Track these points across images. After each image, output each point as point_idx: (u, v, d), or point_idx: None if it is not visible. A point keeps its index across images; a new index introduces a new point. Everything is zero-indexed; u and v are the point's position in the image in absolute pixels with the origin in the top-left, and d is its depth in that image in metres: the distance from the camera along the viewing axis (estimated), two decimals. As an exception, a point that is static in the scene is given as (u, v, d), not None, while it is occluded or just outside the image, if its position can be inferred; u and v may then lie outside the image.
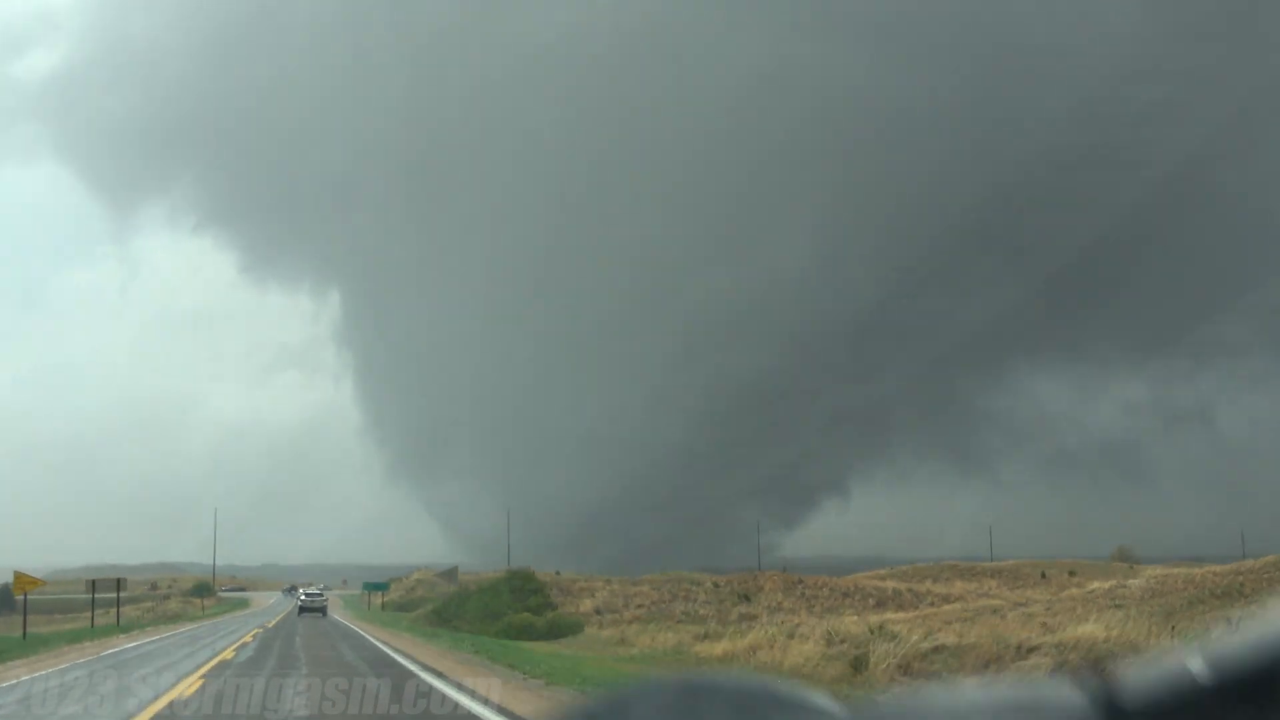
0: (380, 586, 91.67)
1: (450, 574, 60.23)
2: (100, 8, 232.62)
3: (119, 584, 45.46)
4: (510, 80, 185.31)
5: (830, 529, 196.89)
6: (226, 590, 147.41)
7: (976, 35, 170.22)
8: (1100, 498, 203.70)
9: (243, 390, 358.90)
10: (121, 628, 50.47)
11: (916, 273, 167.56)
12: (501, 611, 62.14)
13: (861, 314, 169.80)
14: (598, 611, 64.08)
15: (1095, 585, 56.01)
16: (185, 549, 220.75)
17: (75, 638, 39.31)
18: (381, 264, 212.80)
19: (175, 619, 77.07)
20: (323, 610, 66.82)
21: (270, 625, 47.13)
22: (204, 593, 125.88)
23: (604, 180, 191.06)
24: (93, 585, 45.56)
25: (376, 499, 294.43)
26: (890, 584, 72.99)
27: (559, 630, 54.72)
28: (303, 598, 72.60)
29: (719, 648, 36.79)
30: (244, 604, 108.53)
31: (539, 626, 54.27)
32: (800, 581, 69.30)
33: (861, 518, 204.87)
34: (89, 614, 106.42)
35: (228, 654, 27.20)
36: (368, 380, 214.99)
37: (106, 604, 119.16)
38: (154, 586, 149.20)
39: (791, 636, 37.33)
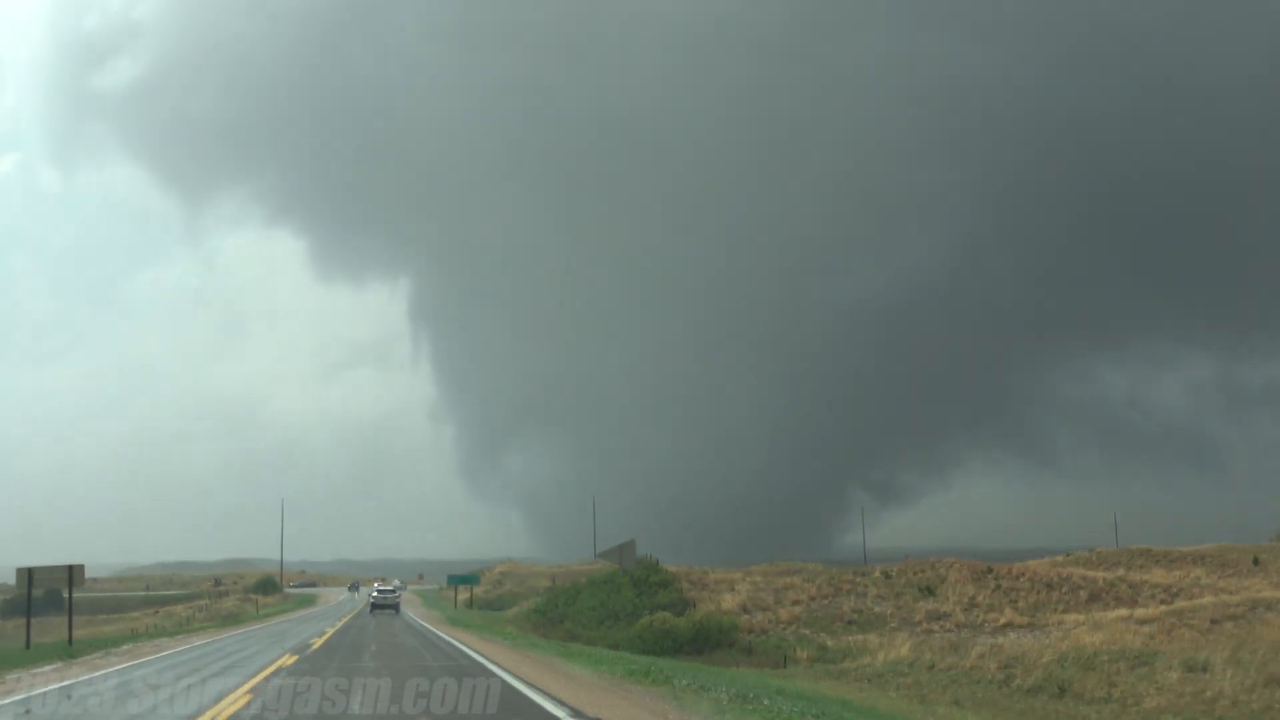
0: (469, 580, 79.14)
1: (626, 549, 45.73)
2: (180, 16, 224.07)
3: (71, 575, 32.14)
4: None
5: (898, 522, 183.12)
6: (295, 586, 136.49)
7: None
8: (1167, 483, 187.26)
9: (316, 386, 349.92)
10: (69, 648, 30.57)
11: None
12: (625, 610, 48.91)
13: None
14: (745, 610, 50.80)
15: None
16: (259, 545, 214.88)
17: None
18: (468, 257, 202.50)
19: (225, 621, 64.98)
20: (395, 607, 60.99)
21: (329, 635, 34.37)
22: (269, 589, 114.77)
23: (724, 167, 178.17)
24: (62, 574, 32.33)
25: (450, 494, 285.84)
26: (1097, 573, 58.56)
27: (709, 635, 41.30)
28: (375, 595, 65.84)
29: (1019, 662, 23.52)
30: (309, 601, 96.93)
31: (683, 631, 40.84)
32: (990, 571, 55.14)
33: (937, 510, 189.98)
34: (140, 613, 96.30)
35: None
36: (444, 371, 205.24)
37: (161, 601, 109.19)
38: (217, 583, 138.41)
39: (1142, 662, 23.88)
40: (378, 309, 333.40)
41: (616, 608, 50.42)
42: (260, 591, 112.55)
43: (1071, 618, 47.72)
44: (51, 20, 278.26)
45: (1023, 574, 55.02)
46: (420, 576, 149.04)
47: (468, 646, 27.50)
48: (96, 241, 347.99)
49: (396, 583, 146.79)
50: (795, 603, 51.95)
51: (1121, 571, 61.55)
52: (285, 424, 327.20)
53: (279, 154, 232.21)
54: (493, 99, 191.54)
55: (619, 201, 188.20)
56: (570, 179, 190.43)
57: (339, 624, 44.00)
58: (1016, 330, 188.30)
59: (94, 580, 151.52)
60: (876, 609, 50.43)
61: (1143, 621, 44.64)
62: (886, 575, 53.89)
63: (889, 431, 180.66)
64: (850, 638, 46.01)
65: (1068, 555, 74.62)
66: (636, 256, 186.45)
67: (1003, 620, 47.89)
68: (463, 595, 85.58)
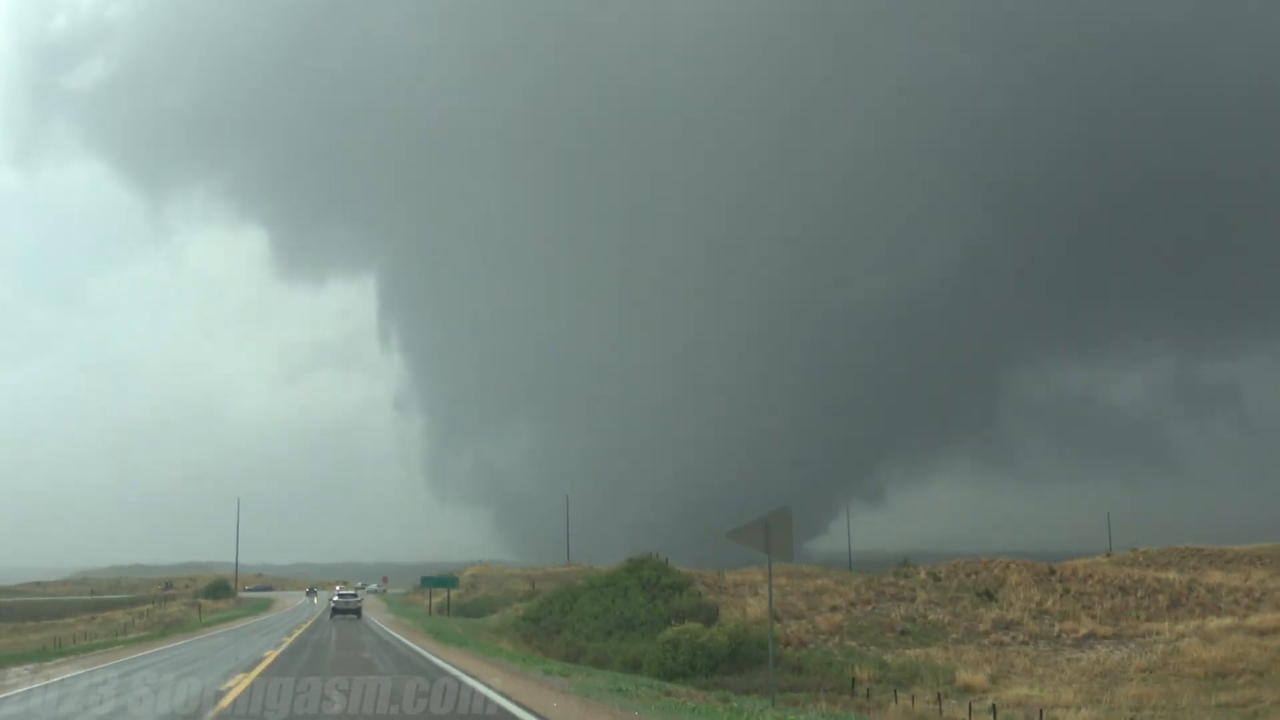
0: (446, 582, 70.73)
1: (776, 525, 35.21)
2: (152, 8, 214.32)
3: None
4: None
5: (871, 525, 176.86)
6: (250, 590, 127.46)
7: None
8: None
9: (279, 387, 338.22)
10: None
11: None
12: (639, 619, 41.16)
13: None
14: (776, 618, 43.09)
15: None
16: (217, 548, 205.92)
17: None
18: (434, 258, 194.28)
19: (167, 629, 56.47)
20: (357, 612, 59.10)
21: (274, 656, 26.35)
22: (221, 593, 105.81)
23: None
24: None
25: (415, 496, 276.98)
26: (1169, 575, 51.47)
27: (747, 650, 33.73)
28: (335, 599, 62.93)
29: None
30: (264, 606, 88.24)
31: (719, 646, 33.13)
32: (1053, 572, 47.85)
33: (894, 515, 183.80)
34: (76, 619, 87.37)
35: None
36: (414, 367, 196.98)
37: (104, 606, 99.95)
38: (167, 586, 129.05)
39: None
40: (345, 305, 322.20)
41: (627, 615, 42.65)
42: (211, 595, 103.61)
43: (1160, 627, 40.53)
44: (13, 17, 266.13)
45: (1090, 576, 47.79)
46: (385, 580, 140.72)
47: (472, 675, 19.60)
48: (58, 241, 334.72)
49: (360, 584, 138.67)
50: (833, 609, 44.40)
51: (1190, 574, 54.49)
52: (248, 425, 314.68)
53: (251, 147, 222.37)
54: (484, 87, 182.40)
55: (612, 194, 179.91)
56: (562, 170, 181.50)
57: (291, 638, 35.80)
58: (979, 333, 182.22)
59: (38, 585, 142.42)
60: (931, 616, 42.94)
61: (1260, 632, 37.50)
62: (935, 577, 46.42)
63: (870, 436, 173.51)
64: (908, 651, 38.58)
65: (1109, 555, 67.73)
66: (623, 254, 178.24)
67: (1083, 630, 40.54)
68: (435, 600, 77.55)
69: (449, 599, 70.58)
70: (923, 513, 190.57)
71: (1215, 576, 55.97)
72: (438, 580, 70.49)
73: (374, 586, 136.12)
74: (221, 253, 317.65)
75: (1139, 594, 46.13)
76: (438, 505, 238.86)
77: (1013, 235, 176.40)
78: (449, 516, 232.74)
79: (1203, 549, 66.40)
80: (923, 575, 46.84)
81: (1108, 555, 66.57)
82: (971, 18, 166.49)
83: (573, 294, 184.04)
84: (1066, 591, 45.42)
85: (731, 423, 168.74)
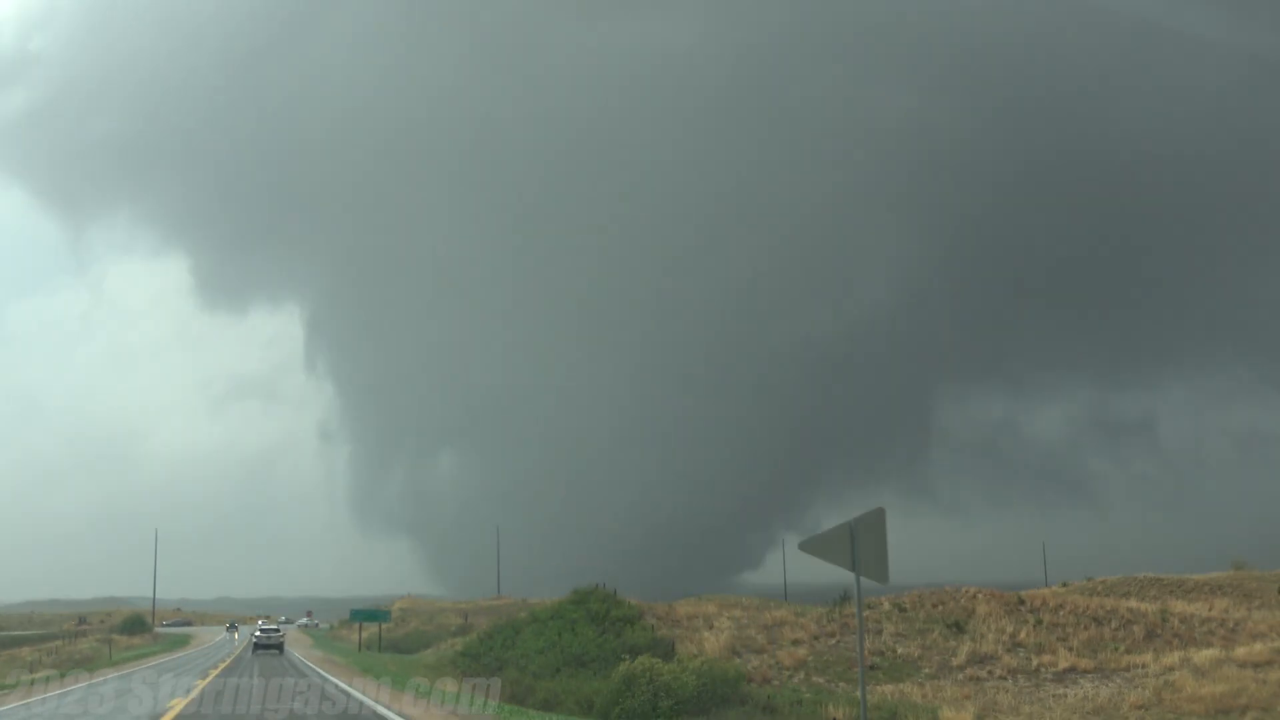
0: (377, 616, 66.60)
1: (865, 531, 27.82)
2: (82, 38, 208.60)
3: None
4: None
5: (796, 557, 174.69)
6: (168, 625, 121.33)
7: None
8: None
9: (201, 418, 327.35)
10: None
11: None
12: (588, 654, 38.07)
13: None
14: (735, 652, 40.30)
15: None
16: (135, 583, 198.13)
17: None
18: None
19: (76, 666, 51.81)
20: (279, 647, 58.38)
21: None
22: (136, 628, 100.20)
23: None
24: None
25: (339, 530, 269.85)
26: (1141, 605, 49.51)
27: (713, 689, 30.64)
28: (257, 634, 61.93)
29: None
30: (181, 642, 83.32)
31: (685, 686, 29.98)
32: (1022, 602, 45.58)
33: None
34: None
35: None
36: (341, 393, 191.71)
37: (10, 643, 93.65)
38: (81, 621, 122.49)
39: None
40: (270, 334, 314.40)
41: (575, 651, 39.39)
42: (127, 631, 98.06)
43: (1143, 659, 38.31)
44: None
45: (1060, 606, 45.57)
46: (309, 614, 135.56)
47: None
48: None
49: (284, 619, 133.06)
50: (795, 642, 41.55)
51: (1155, 604, 52.64)
52: (168, 457, 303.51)
53: (178, 175, 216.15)
54: (420, 119, 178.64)
55: (558, 230, 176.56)
56: (504, 201, 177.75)
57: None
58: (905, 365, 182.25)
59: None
60: (900, 650, 40.26)
61: (1254, 665, 35.42)
62: (900, 608, 43.84)
63: (802, 471, 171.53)
64: (880, 688, 35.82)
65: (1065, 585, 65.87)
66: (574, 282, 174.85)
67: (1062, 664, 38.15)
68: (365, 634, 73.44)
69: (380, 633, 66.62)
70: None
71: (1179, 606, 54.22)
72: (368, 614, 66.36)
73: (304, 620, 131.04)
74: (143, 282, 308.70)
75: (1113, 625, 43.98)
76: (363, 538, 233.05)
77: (945, 276, 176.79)
78: (375, 549, 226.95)
79: (1161, 578, 64.84)
80: (886, 606, 44.24)
81: (1064, 585, 64.72)
82: (915, 63, 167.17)
83: (509, 326, 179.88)
84: (1039, 623, 43.09)
85: (669, 458, 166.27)
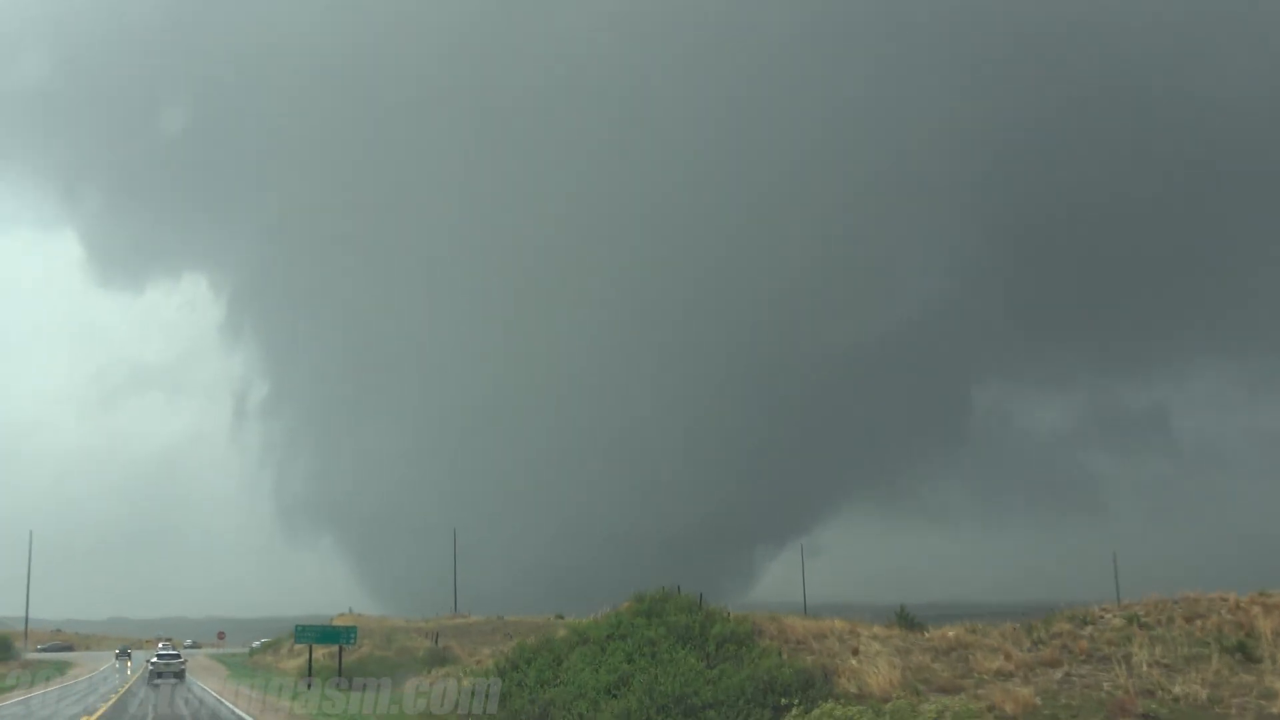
0: (337, 636, 48.12)
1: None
2: None
3: None
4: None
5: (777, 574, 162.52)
6: (43, 649, 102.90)
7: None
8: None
9: (91, 412, 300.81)
10: None
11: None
12: (701, 694, 23.10)
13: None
14: (914, 690, 25.68)
15: None
16: (9, 601, 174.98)
17: None
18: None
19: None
20: (180, 675, 51.81)
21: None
22: (2, 654, 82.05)
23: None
24: None
25: (256, 540, 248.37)
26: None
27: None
28: (154, 660, 54.43)
29: None
30: (60, 670, 66.32)
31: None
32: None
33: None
34: None
35: None
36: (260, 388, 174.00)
37: None
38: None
39: None
40: (175, 315, 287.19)
41: (675, 690, 24.23)
42: (-14, 659, 79.97)
43: None
44: None
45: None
46: (221, 636, 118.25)
47: None
48: None
49: (190, 642, 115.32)
50: (1003, 675, 27.02)
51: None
52: (52, 459, 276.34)
53: (77, 133, 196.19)
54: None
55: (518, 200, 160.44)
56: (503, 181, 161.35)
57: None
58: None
59: None
60: (1177, 689, 25.92)
61: None
62: (1138, 621, 29.52)
63: (789, 486, 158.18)
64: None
65: (1119, 604, 52.34)
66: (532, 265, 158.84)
67: None
68: (294, 661, 57.18)
69: (341, 654, 49.03)
70: (849, 560, 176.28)
71: None
72: (323, 632, 48.64)
73: (243, 646, 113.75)
74: (30, 257, 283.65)
75: None
76: (287, 548, 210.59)
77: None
78: (300, 561, 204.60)
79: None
80: (1117, 620, 29.94)
81: (1117, 604, 51.28)
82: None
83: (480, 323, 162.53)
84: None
85: (625, 465, 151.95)
